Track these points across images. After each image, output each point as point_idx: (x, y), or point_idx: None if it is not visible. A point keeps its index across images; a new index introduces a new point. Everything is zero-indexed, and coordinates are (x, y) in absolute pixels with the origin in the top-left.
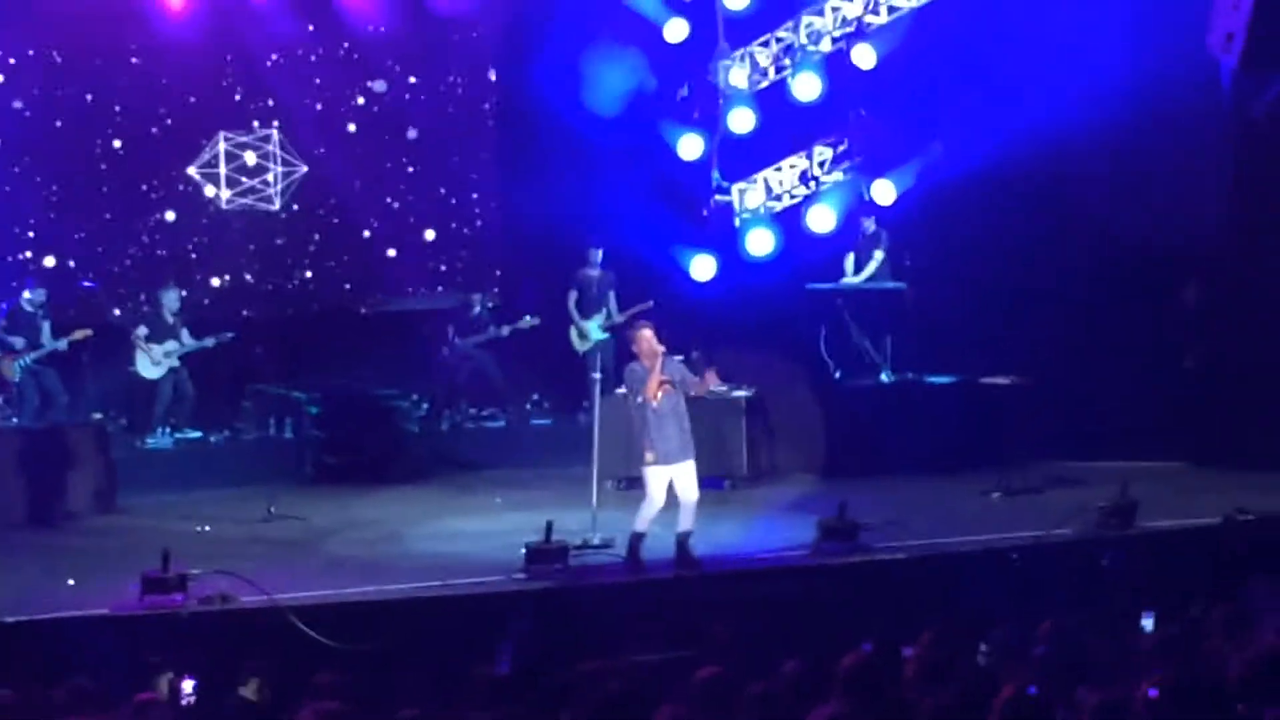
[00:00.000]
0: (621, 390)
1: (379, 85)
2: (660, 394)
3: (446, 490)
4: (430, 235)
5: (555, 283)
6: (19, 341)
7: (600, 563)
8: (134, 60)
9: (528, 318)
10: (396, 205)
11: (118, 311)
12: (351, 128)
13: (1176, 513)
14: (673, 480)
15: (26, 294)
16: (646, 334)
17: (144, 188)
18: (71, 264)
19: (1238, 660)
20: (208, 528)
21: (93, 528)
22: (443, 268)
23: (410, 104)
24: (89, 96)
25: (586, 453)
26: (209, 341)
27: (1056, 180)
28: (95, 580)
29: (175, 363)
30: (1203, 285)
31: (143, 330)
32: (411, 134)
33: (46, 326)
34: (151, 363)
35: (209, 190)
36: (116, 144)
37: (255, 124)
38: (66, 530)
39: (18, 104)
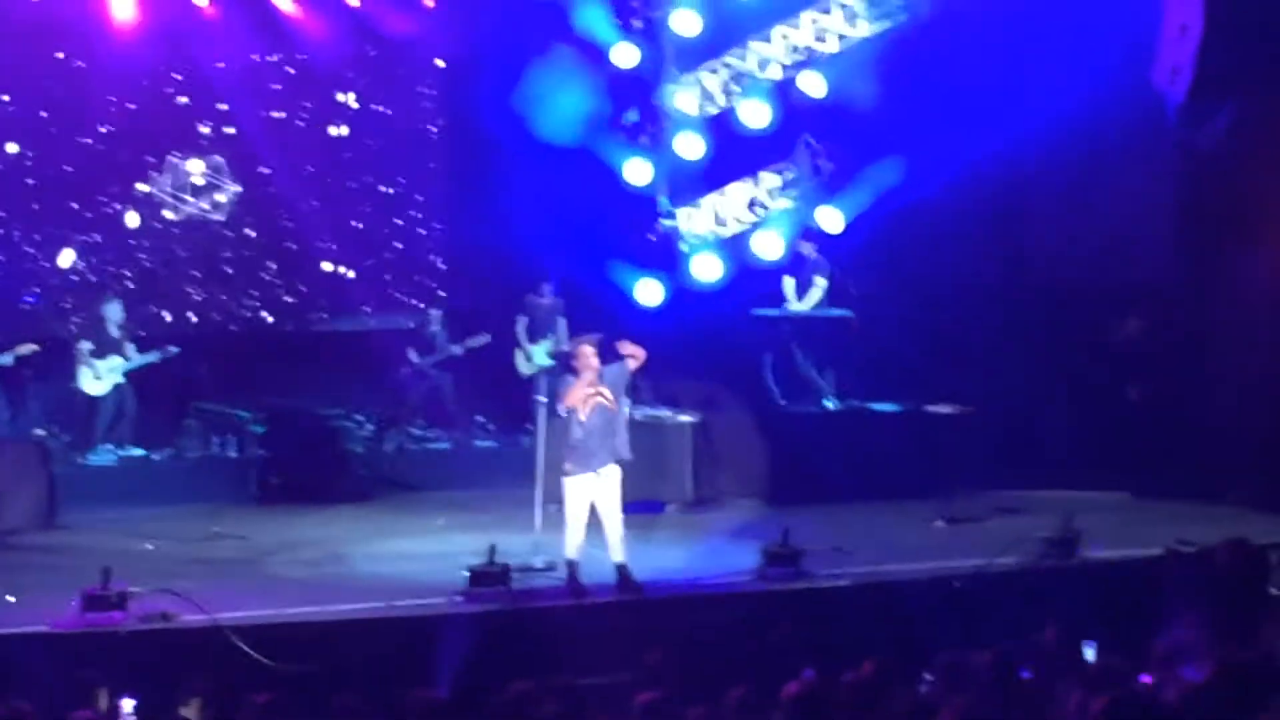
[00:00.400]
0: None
1: (345, 99)
2: (588, 406)
3: (390, 511)
4: (378, 255)
5: (502, 303)
6: None
7: (542, 586)
8: (80, 76)
9: (481, 335)
10: (343, 225)
11: (71, 327)
12: (300, 147)
13: (1119, 543)
14: (594, 497)
15: None
16: (585, 349)
17: (89, 203)
18: (11, 279)
19: (1173, 690)
20: (152, 545)
21: (33, 544)
22: (391, 289)
23: (359, 124)
24: (39, 111)
25: (530, 475)
26: (153, 356)
27: (1002, 210)
28: (34, 597)
29: (119, 378)
30: (1145, 317)
31: (86, 345)
32: (360, 151)
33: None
34: (95, 378)
35: (156, 207)
36: (64, 162)
37: (203, 142)
38: (5, 546)
39: None
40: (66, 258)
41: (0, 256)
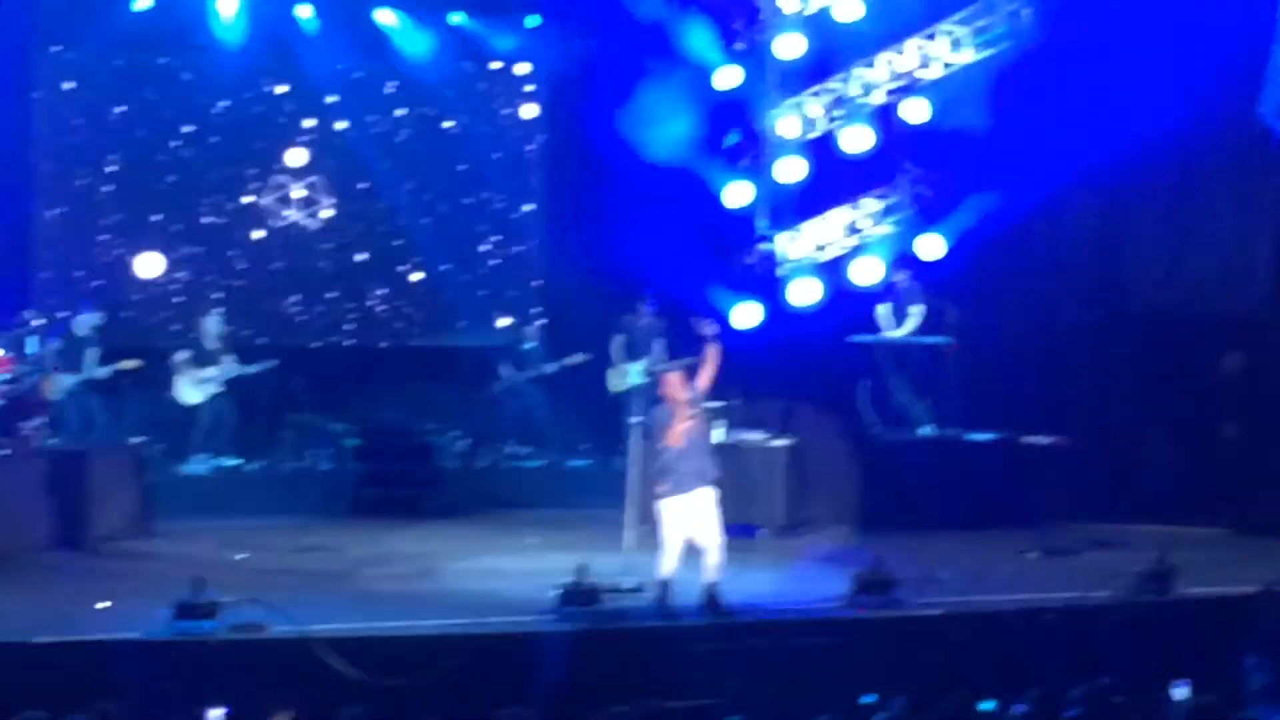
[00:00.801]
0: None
1: (445, 115)
2: (683, 434)
3: (482, 528)
4: (475, 271)
5: (599, 322)
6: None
7: (631, 606)
8: (184, 87)
9: (577, 355)
10: (441, 240)
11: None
12: (400, 162)
13: (1215, 580)
14: (691, 519)
15: (83, 316)
16: (671, 378)
17: (188, 214)
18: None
19: None
20: (243, 556)
21: (127, 552)
22: (487, 305)
23: (459, 139)
24: (143, 120)
25: (622, 495)
26: (251, 368)
27: (1102, 239)
28: (127, 604)
29: (217, 388)
30: (1245, 350)
31: (184, 355)
32: (460, 168)
33: (94, 352)
34: (192, 387)
35: (256, 220)
36: (166, 173)
37: (305, 157)
38: (101, 554)
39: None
40: (154, 265)
41: (99, 265)
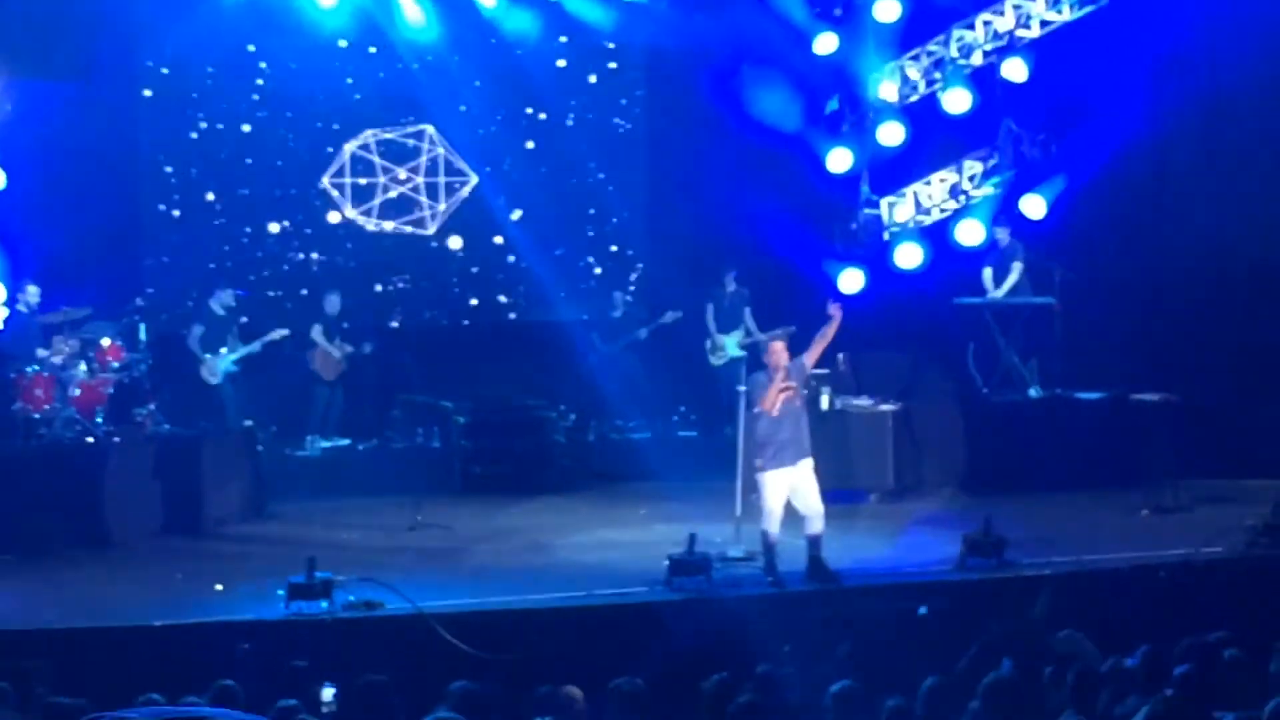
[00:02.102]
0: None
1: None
2: (780, 402)
3: (592, 501)
4: (576, 245)
5: (698, 294)
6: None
7: (742, 575)
8: (287, 71)
9: (669, 314)
10: (541, 213)
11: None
12: (501, 139)
13: None
14: (791, 489)
15: (218, 295)
16: (776, 345)
17: (298, 199)
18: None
19: None
20: (350, 534)
21: (241, 534)
22: (587, 279)
23: (560, 117)
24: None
25: (731, 465)
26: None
27: (1209, 197)
28: (243, 586)
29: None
30: None
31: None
32: (561, 143)
33: (236, 331)
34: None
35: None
36: (278, 157)
37: (412, 142)
38: (215, 536)
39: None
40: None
41: (226, 246)
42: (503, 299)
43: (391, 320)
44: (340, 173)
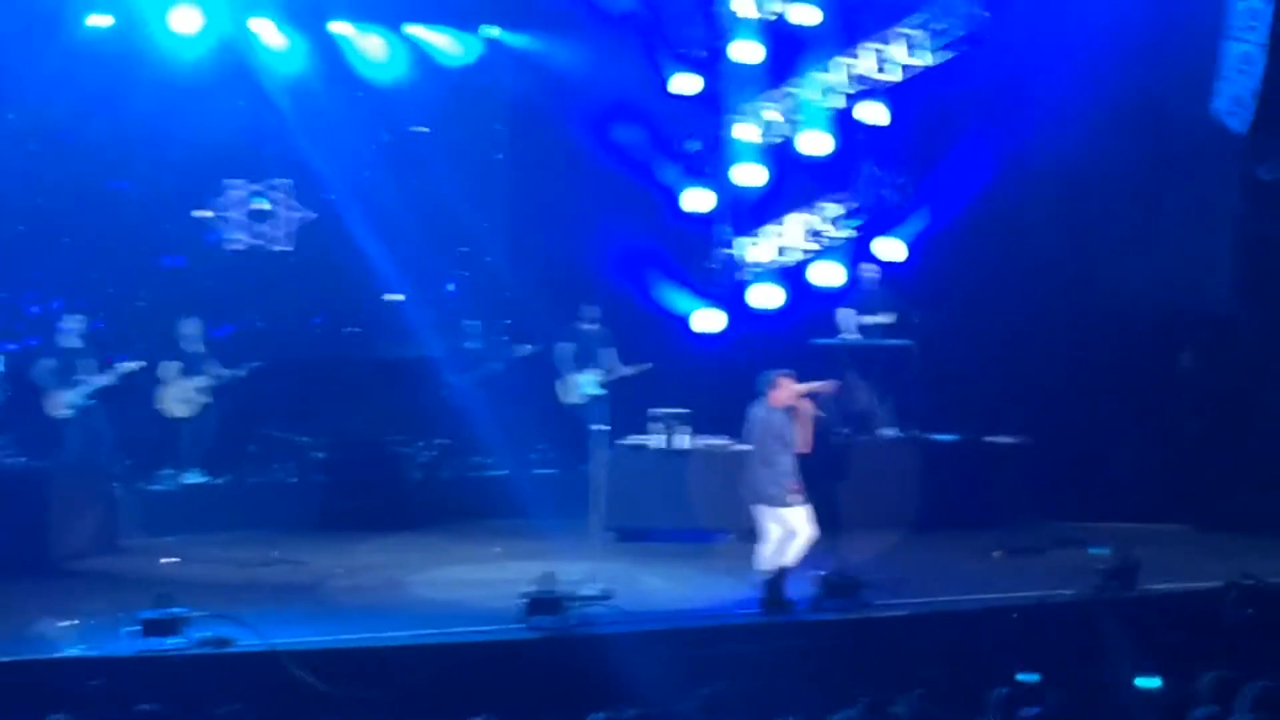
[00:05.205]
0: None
1: (410, 126)
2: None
3: (449, 538)
4: (439, 283)
5: (558, 329)
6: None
7: (598, 613)
8: (143, 101)
9: (525, 347)
10: (404, 251)
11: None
12: (364, 174)
13: (1178, 576)
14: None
15: (67, 323)
16: (786, 382)
17: (156, 232)
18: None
19: None
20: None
21: (92, 569)
22: (452, 316)
23: (423, 153)
24: (108, 135)
25: (587, 503)
26: (239, 372)
27: (1065, 240)
28: (93, 621)
29: (207, 399)
30: (1206, 349)
31: (173, 366)
32: (423, 179)
33: (89, 362)
34: (180, 400)
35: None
36: (129, 189)
37: (266, 170)
38: (65, 571)
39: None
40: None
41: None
42: (360, 332)
43: (250, 357)
44: (202, 205)
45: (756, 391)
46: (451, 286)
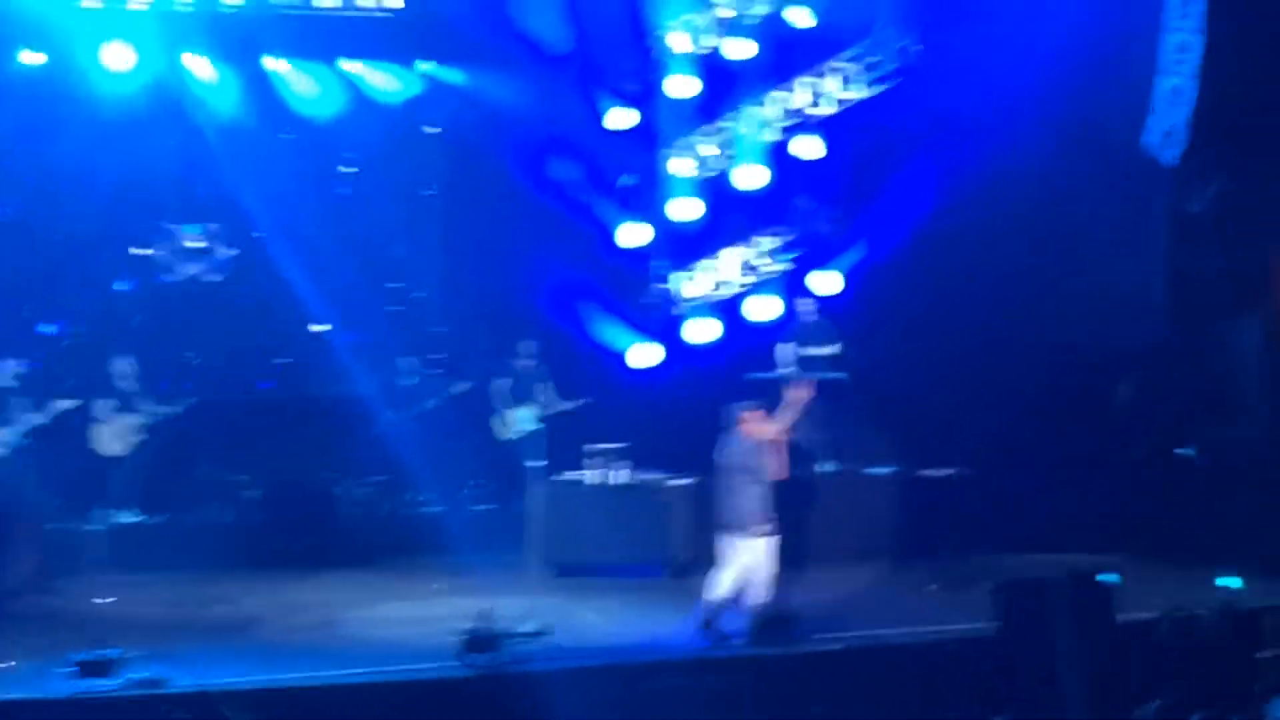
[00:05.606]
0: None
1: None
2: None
3: (385, 575)
4: (374, 319)
5: (496, 365)
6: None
7: (534, 650)
8: (75, 139)
9: (459, 384)
10: (339, 287)
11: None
12: (297, 211)
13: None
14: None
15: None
16: (756, 415)
17: (86, 269)
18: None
19: None
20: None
21: (26, 609)
22: (387, 352)
23: (355, 188)
24: (41, 174)
25: (524, 539)
26: (175, 409)
27: (998, 273)
28: (28, 662)
29: (143, 436)
30: (1139, 380)
31: (108, 404)
32: (357, 214)
33: (24, 402)
34: (116, 438)
35: (154, 271)
36: (65, 227)
37: (200, 207)
38: None
39: None
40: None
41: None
42: (295, 369)
43: (184, 395)
44: (136, 243)
45: (724, 425)
46: (387, 322)
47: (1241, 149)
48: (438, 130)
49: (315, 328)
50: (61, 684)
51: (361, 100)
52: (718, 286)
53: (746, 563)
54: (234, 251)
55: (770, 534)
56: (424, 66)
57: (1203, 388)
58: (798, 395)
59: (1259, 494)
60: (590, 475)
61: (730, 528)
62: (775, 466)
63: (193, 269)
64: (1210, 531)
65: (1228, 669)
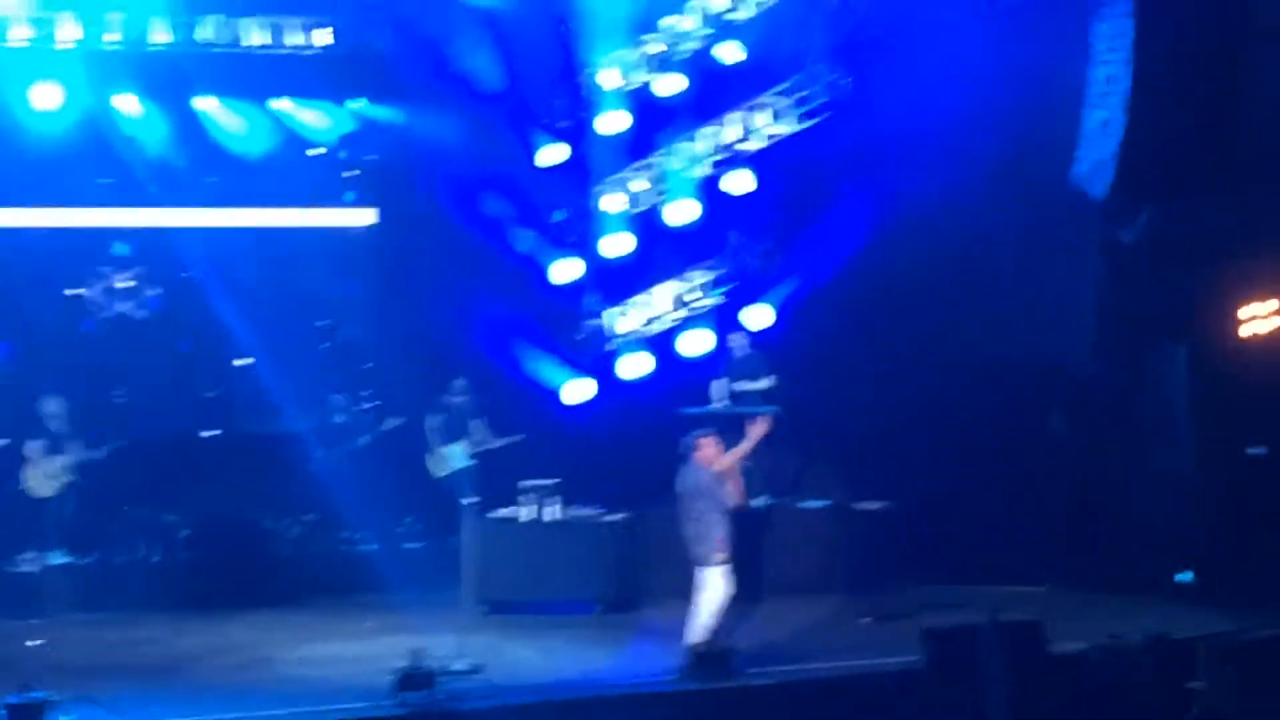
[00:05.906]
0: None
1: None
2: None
3: (317, 614)
4: (304, 356)
5: (429, 402)
6: None
7: (467, 688)
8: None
9: (390, 420)
10: (268, 326)
11: None
12: (226, 250)
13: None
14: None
15: None
16: (710, 442)
17: (12, 308)
18: None
19: None
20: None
21: None
22: (317, 390)
23: (285, 226)
24: None
25: (458, 576)
26: (100, 452)
27: (929, 305)
28: None
29: (71, 477)
30: (1069, 409)
31: (36, 445)
32: (285, 253)
33: None
34: (45, 479)
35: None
36: None
37: (128, 246)
38: None
39: None
40: None
41: None
42: (226, 406)
43: (113, 434)
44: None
45: (681, 454)
46: (318, 359)
47: (1170, 180)
48: (369, 165)
49: (242, 362)
50: None
51: (292, 139)
52: (650, 322)
53: (708, 590)
54: (160, 290)
55: (726, 561)
56: (354, 104)
57: (1130, 418)
58: (758, 430)
59: (1187, 525)
60: (524, 512)
61: (693, 557)
62: (733, 491)
63: (121, 307)
64: (1137, 561)
65: (1157, 699)
